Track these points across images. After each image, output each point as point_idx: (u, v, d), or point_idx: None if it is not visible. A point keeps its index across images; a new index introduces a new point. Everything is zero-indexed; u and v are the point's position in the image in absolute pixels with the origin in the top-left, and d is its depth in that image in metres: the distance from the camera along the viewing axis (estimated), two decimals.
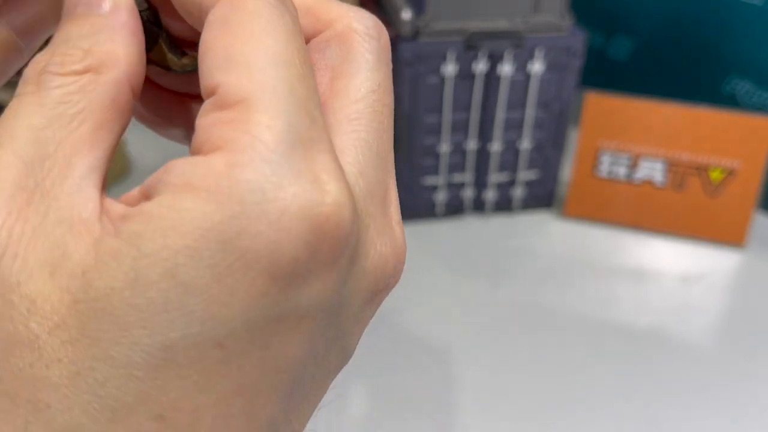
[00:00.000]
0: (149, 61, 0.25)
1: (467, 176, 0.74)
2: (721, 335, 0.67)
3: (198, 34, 0.24)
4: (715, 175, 0.70)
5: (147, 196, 0.20)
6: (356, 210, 0.21)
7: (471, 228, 0.75)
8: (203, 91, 0.21)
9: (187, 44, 0.26)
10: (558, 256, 0.72)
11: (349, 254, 0.21)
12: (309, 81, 0.21)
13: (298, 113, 0.20)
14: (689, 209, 0.72)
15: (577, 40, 0.69)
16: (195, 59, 0.25)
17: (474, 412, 0.59)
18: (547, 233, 0.75)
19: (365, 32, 0.23)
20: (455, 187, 0.75)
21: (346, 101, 0.23)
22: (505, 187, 0.75)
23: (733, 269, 0.71)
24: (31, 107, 0.21)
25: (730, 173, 0.70)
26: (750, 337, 0.66)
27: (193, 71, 0.26)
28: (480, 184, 0.75)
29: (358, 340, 0.24)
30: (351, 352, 0.24)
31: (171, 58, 0.26)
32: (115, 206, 0.20)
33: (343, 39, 0.24)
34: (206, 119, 0.20)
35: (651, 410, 0.59)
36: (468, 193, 0.75)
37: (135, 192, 0.21)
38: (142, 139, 0.76)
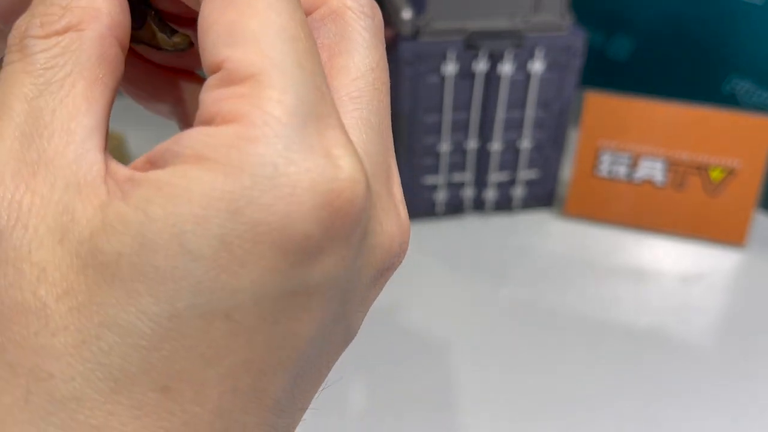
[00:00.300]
0: (139, 41, 0.25)
1: (467, 176, 0.74)
2: (721, 335, 0.67)
3: (188, 11, 0.24)
4: (716, 174, 0.70)
5: (155, 164, 0.20)
6: (369, 186, 0.21)
7: (471, 227, 0.75)
8: (206, 67, 0.21)
9: (177, 19, 0.26)
10: (558, 255, 0.72)
11: (361, 232, 0.21)
12: (315, 55, 0.21)
13: (308, 88, 0.20)
14: (689, 209, 0.72)
15: (577, 40, 0.69)
16: (186, 38, 0.26)
17: (473, 411, 0.59)
18: (547, 233, 0.74)
19: (360, 10, 0.23)
20: (455, 187, 0.75)
21: (346, 79, 0.23)
22: (505, 187, 0.75)
23: (733, 269, 0.71)
24: (19, 76, 0.21)
25: (730, 173, 0.70)
26: (750, 337, 0.66)
27: (184, 50, 0.26)
28: (480, 183, 0.75)
29: (362, 320, 0.24)
30: (355, 332, 0.24)
31: (161, 37, 0.26)
32: (122, 169, 0.20)
33: (338, 17, 0.23)
34: (213, 94, 0.20)
35: (651, 410, 0.59)
36: (468, 193, 0.75)
37: (142, 159, 0.21)
38: (143, 139, 0.76)
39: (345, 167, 0.20)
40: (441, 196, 0.74)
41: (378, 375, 0.61)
